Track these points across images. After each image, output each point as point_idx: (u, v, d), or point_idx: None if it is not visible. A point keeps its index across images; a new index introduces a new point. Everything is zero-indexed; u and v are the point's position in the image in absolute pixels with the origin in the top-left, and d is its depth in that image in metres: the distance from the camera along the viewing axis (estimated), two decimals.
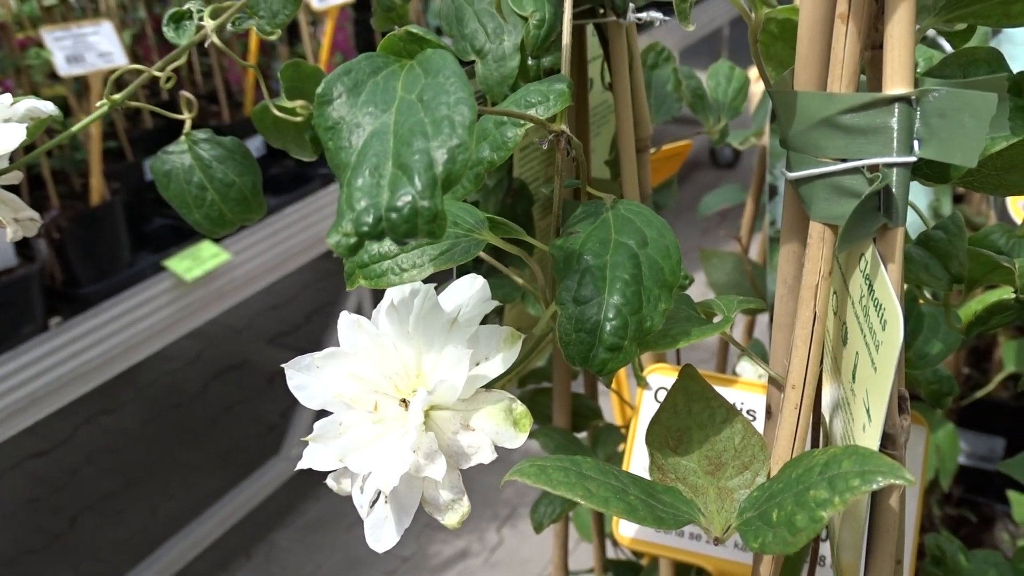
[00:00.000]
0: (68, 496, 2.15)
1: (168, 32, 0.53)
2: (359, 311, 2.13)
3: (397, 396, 0.39)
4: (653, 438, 0.40)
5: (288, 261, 1.83)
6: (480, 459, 0.38)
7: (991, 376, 1.22)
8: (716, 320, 0.41)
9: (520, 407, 0.38)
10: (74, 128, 0.54)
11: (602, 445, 0.64)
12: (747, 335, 0.93)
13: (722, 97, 0.68)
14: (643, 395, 0.59)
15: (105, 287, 1.57)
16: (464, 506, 0.38)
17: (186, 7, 0.53)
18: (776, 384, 0.40)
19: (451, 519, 0.38)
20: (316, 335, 2.62)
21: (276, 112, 0.54)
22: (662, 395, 0.58)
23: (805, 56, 0.34)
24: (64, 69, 1.48)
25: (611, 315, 0.34)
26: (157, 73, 0.53)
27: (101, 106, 0.53)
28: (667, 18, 0.48)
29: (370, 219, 0.28)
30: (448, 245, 0.37)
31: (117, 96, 0.54)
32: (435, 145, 0.28)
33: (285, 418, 2.33)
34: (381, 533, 0.38)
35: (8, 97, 0.53)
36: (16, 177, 0.56)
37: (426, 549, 2.03)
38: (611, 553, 0.85)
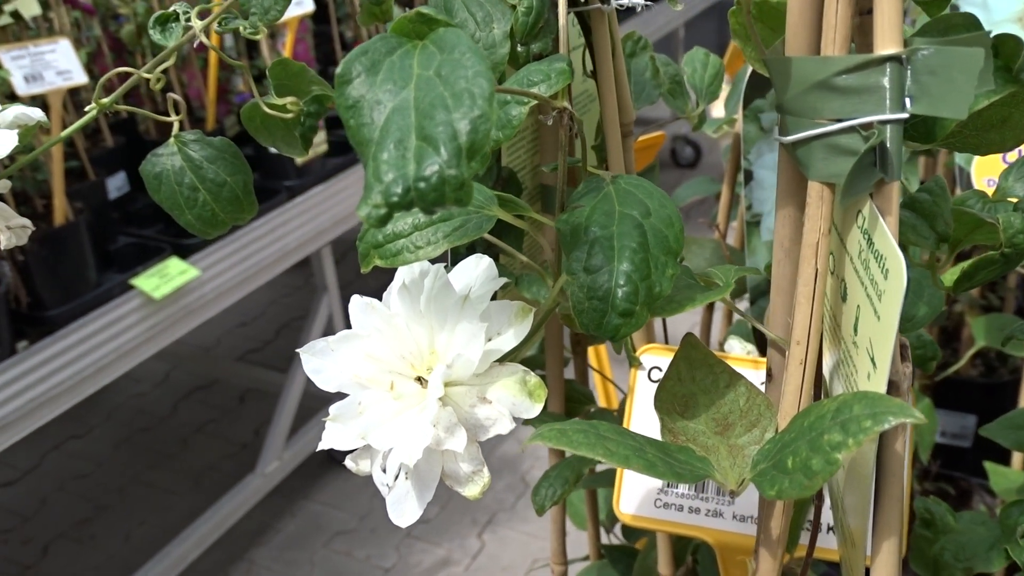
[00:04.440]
0: (38, 525, 2.12)
1: (155, 35, 0.54)
2: (329, 325, 2.13)
3: (412, 374, 0.40)
4: (661, 404, 0.42)
5: (257, 275, 1.82)
6: (498, 430, 0.39)
7: (960, 356, 1.25)
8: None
9: (534, 378, 0.39)
10: (64, 132, 0.54)
11: None
12: (727, 321, 0.95)
13: (699, 83, 0.70)
14: (636, 375, 0.60)
15: (72, 309, 1.56)
16: (485, 477, 0.39)
17: (171, 9, 0.54)
18: (776, 347, 0.42)
19: (472, 490, 0.39)
20: (286, 351, 2.60)
21: (266, 110, 0.54)
22: (655, 374, 0.60)
23: (796, 24, 0.35)
24: (23, 88, 1.47)
25: (622, 281, 0.36)
26: (147, 75, 0.53)
27: (90, 110, 0.54)
28: (649, 4, 0.49)
29: (399, 190, 0.29)
30: (460, 222, 0.38)
31: (106, 100, 0.54)
32: (457, 117, 0.29)
33: (258, 436, 2.31)
34: (404, 508, 0.39)
35: None
36: (4, 186, 0.57)
37: (407, 559, 2.03)
38: (600, 540, 0.86)
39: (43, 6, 1.65)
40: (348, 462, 0.41)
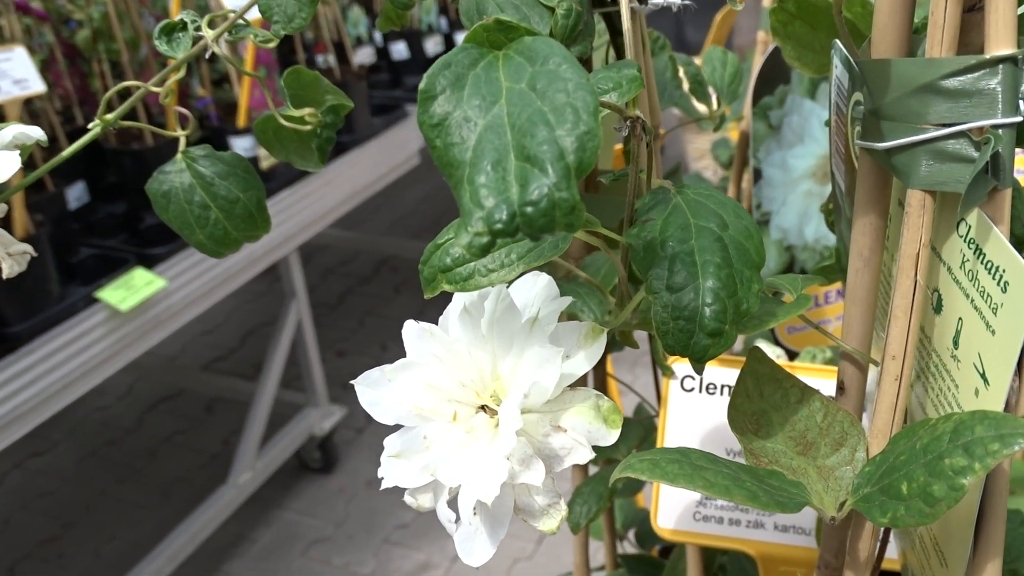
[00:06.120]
0: (3, 546, 2.06)
1: (160, 45, 0.51)
2: (298, 331, 2.09)
3: (474, 403, 0.38)
4: (734, 423, 0.40)
5: (225, 283, 1.78)
6: (574, 460, 0.37)
7: None
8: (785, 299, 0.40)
9: (607, 403, 0.37)
10: (67, 152, 0.51)
11: (624, 439, 0.64)
12: None
13: (719, 82, 0.68)
14: (669, 384, 0.58)
15: (36, 324, 1.50)
16: (562, 510, 0.36)
17: (178, 18, 0.51)
18: (850, 359, 0.40)
19: (548, 524, 0.36)
20: (252, 358, 2.55)
21: (282, 121, 0.52)
22: (688, 383, 0.58)
23: (884, 25, 0.34)
24: None
25: (709, 300, 0.34)
26: (155, 89, 0.50)
27: (95, 126, 0.51)
28: (687, 2, 0.47)
29: (504, 216, 0.26)
30: (535, 241, 0.36)
31: (110, 116, 0.51)
32: (562, 134, 0.27)
33: (227, 446, 2.26)
34: (473, 547, 0.37)
35: None
36: (1, 210, 0.53)
37: (386, 565, 2.00)
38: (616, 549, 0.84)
39: None
40: (408, 498, 0.39)
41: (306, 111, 0.51)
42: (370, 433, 2.31)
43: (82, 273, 1.64)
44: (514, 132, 0.27)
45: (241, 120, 1.85)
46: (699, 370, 0.35)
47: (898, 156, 0.33)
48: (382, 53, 2.36)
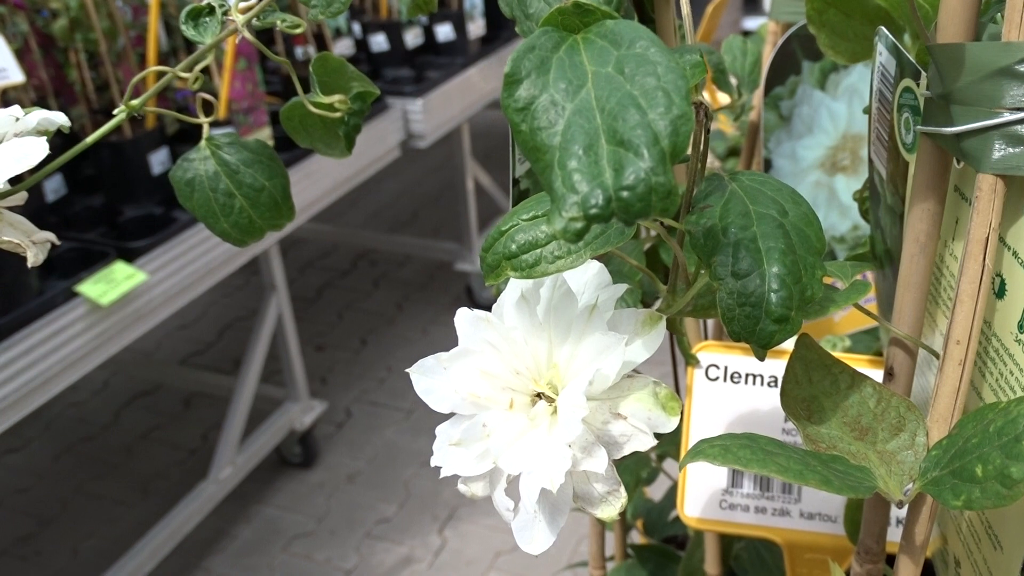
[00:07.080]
0: None
1: (187, 31, 0.50)
2: (278, 325, 2.07)
3: (531, 391, 0.38)
4: (788, 409, 0.40)
5: (207, 277, 1.76)
6: (634, 447, 0.36)
7: None
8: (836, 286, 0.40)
9: (664, 390, 0.37)
10: (91, 138, 0.50)
11: None
12: None
13: (740, 71, 0.68)
14: (694, 374, 0.58)
15: (14, 319, 1.47)
16: (621, 496, 0.36)
17: (205, 2, 0.50)
18: (900, 344, 0.40)
19: (608, 512, 0.36)
20: (230, 353, 2.53)
21: (311, 108, 0.51)
22: (713, 372, 0.58)
23: (952, 8, 0.34)
24: None
25: (775, 286, 0.34)
26: (183, 75, 0.49)
27: (120, 111, 0.50)
28: None
29: (599, 200, 0.26)
30: (600, 228, 0.36)
31: (135, 102, 0.50)
32: (655, 117, 0.27)
33: (206, 441, 2.24)
34: (532, 534, 0.36)
35: (18, 108, 0.48)
36: (21, 198, 0.52)
37: (368, 560, 1.99)
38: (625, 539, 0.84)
39: None
40: (460, 486, 0.38)
41: (335, 98, 0.51)
42: (350, 427, 2.30)
43: (61, 266, 1.62)
44: (604, 116, 0.27)
45: (221, 112, 1.82)
46: (761, 356, 0.35)
47: (968, 141, 0.33)
48: (361, 45, 2.34)
